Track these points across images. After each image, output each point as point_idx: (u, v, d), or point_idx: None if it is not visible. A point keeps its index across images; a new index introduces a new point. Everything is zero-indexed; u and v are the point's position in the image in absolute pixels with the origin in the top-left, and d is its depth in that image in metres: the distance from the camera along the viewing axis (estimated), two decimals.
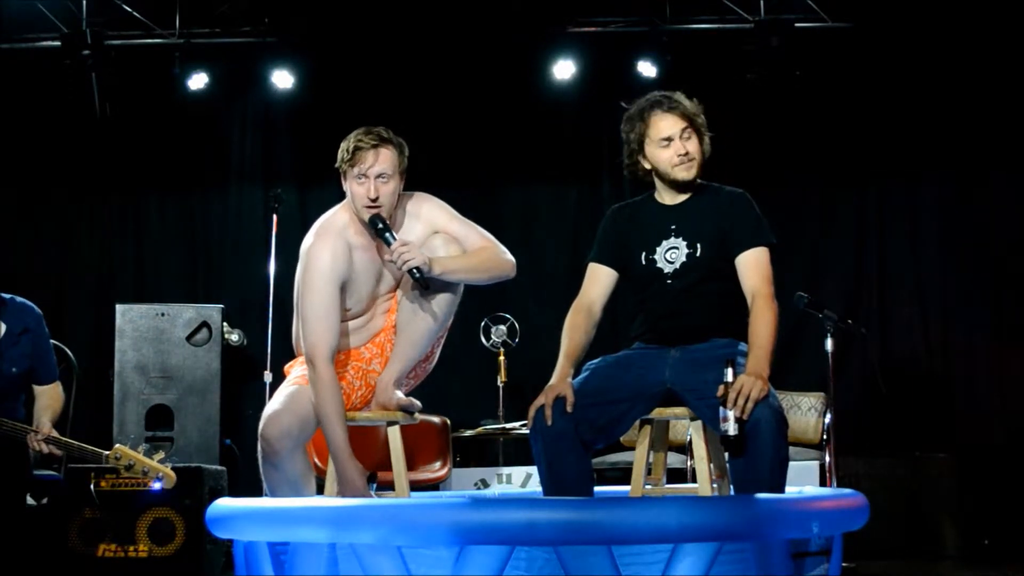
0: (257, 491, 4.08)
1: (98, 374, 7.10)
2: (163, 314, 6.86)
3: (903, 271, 7.42)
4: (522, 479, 6.41)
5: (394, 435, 3.93)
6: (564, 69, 7.39)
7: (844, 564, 4.65)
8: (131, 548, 5.32)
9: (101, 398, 6.99)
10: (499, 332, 6.86)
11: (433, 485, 6.06)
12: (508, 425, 6.59)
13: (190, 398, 6.79)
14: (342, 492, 3.78)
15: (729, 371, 3.51)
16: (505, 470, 6.51)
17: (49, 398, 4.80)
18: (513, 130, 7.60)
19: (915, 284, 7.39)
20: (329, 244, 3.86)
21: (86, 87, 7.16)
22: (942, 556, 6.30)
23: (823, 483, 5.87)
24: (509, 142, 7.62)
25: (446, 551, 3.07)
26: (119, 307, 6.89)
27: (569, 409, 3.67)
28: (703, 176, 3.92)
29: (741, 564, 3.10)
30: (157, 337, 6.83)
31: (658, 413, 3.80)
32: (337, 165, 3.88)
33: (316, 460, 4.98)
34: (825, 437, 5.77)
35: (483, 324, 6.87)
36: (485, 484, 6.44)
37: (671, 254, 3.83)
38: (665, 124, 3.82)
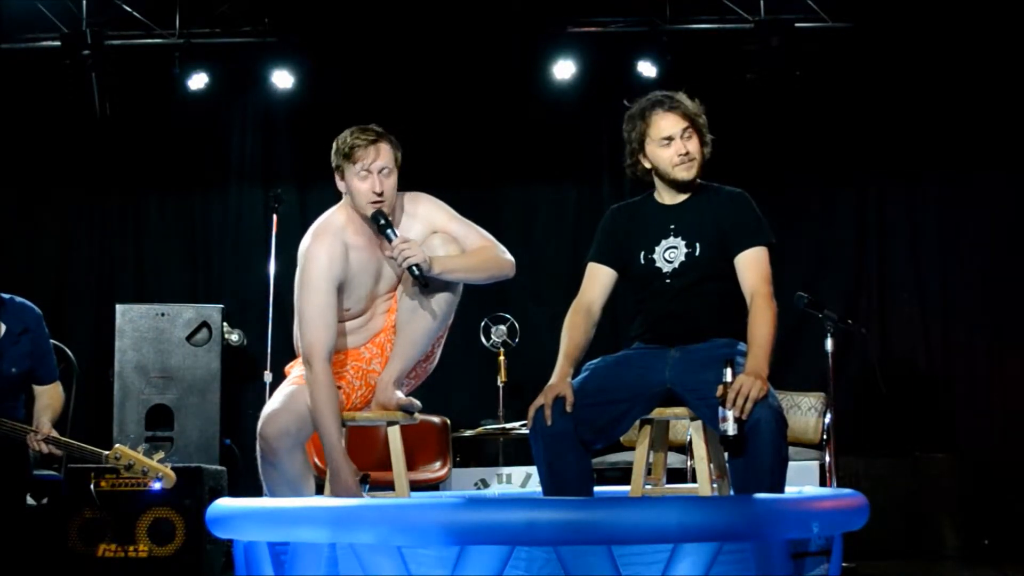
0: (257, 491, 4.08)
1: (98, 374, 7.09)
2: (163, 314, 6.86)
3: (903, 271, 7.42)
4: (522, 479, 6.41)
5: (394, 435, 3.93)
6: (564, 69, 7.39)
7: (844, 564, 4.65)
8: (131, 548, 5.32)
9: (101, 398, 6.99)
10: (499, 332, 6.86)
11: (433, 485, 6.06)
12: (508, 425, 6.59)
13: (190, 398, 6.79)
14: (334, 492, 3.78)
15: (728, 371, 3.51)
16: (505, 470, 6.51)
17: (49, 398, 4.80)
18: (513, 130, 7.60)
19: (915, 284, 7.39)
20: (326, 245, 3.86)
21: (86, 87, 7.15)
22: (942, 556, 6.30)
23: (823, 483, 5.87)
24: (509, 142, 7.62)
25: (446, 551, 3.07)
26: (119, 307, 6.89)
27: (569, 409, 3.67)
28: (703, 176, 3.92)
29: (741, 564, 3.10)
30: (157, 337, 6.83)
31: (658, 413, 3.80)
32: (335, 164, 3.87)
33: (316, 460, 4.98)
34: (825, 437, 5.77)
35: (483, 324, 6.87)
36: (485, 484, 6.44)
37: (670, 253, 3.83)
38: (666, 123, 3.82)
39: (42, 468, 5.18)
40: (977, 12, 6.96)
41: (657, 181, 3.92)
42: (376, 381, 3.96)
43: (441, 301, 3.90)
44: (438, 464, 6.17)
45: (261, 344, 6.60)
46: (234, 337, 7.07)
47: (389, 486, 3.93)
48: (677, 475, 5.95)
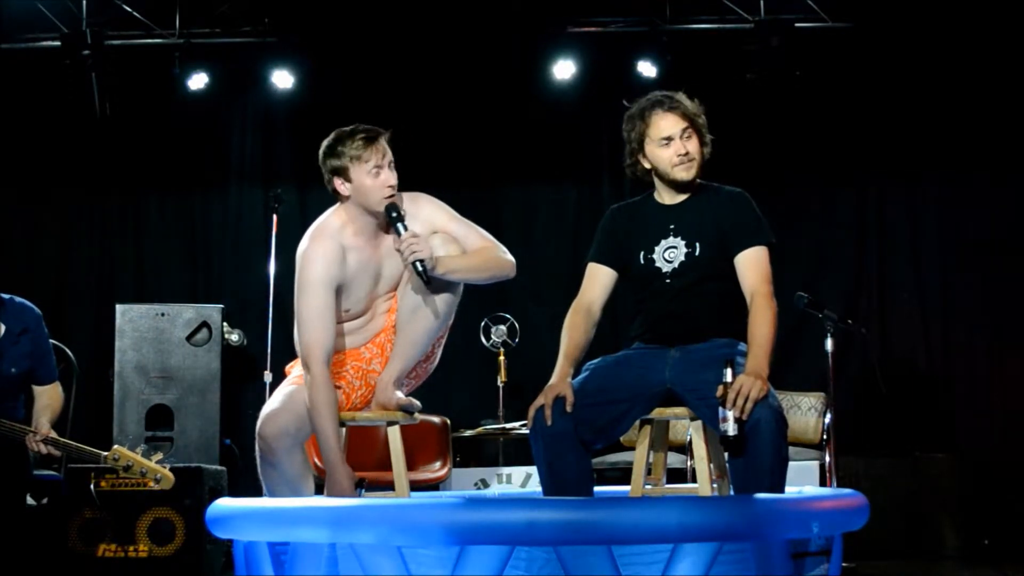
0: (257, 491, 4.08)
1: (98, 374, 7.09)
2: (163, 314, 6.86)
3: (903, 271, 7.42)
4: (522, 479, 6.41)
5: (394, 435, 3.93)
6: (564, 69, 7.39)
7: (844, 564, 4.65)
8: (131, 548, 5.32)
9: (101, 398, 6.99)
10: (499, 332, 6.86)
11: (433, 485, 6.06)
12: (508, 425, 6.59)
13: (190, 398, 6.79)
14: (330, 495, 3.78)
15: (728, 371, 3.51)
16: (505, 470, 6.51)
17: (48, 398, 4.80)
18: (513, 130, 7.60)
19: (915, 284, 7.39)
20: (323, 247, 3.86)
21: (86, 87, 7.15)
22: (942, 556, 6.30)
23: (823, 483, 5.87)
24: (509, 142, 7.62)
25: (446, 551, 3.07)
26: (119, 307, 6.88)
27: (569, 409, 3.67)
28: (703, 176, 3.92)
29: (741, 564, 3.10)
30: (157, 337, 6.82)
31: (658, 413, 3.80)
32: (338, 167, 3.85)
33: (316, 460, 4.98)
34: (825, 437, 5.77)
35: (483, 324, 6.87)
36: (485, 484, 6.44)
37: (670, 253, 3.83)
38: (666, 124, 3.82)
39: (42, 468, 5.18)
40: (977, 12, 6.96)
41: (657, 181, 3.92)
42: (376, 381, 3.96)
43: (441, 301, 3.90)
44: (438, 464, 6.17)
45: (261, 344, 6.60)
46: (234, 337, 7.07)
47: (389, 486, 3.93)
48: (677, 475, 5.95)
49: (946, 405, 7.22)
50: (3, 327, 4.74)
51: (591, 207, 7.50)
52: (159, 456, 4.66)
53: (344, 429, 3.88)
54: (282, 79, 7.41)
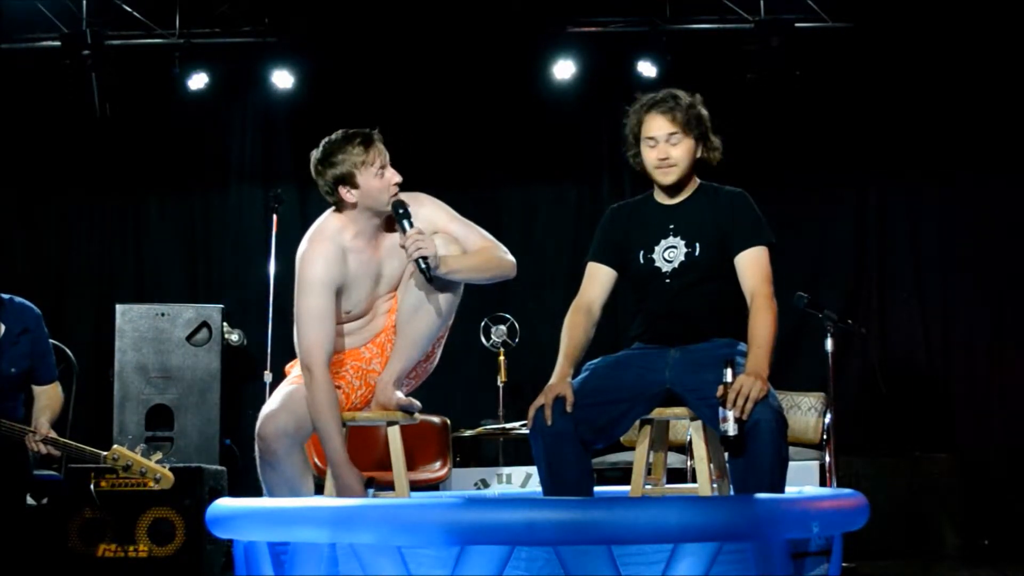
0: (257, 491, 4.08)
1: (98, 374, 7.09)
2: (163, 314, 6.86)
3: (903, 271, 7.42)
4: (522, 479, 6.41)
5: (394, 435, 3.92)
6: (564, 69, 7.38)
7: (844, 564, 4.65)
8: (131, 548, 5.32)
9: (101, 398, 6.99)
10: (499, 332, 6.86)
11: (433, 485, 6.06)
12: (508, 425, 6.59)
13: (190, 398, 6.79)
14: (340, 497, 3.77)
15: (728, 371, 3.51)
16: (505, 470, 6.51)
17: (48, 398, 4.80)
18: (513, 130, 7.60)
19: (915, 284, 7.39)
20: (322, 250, 3.85)
21: (86, 87, 7.16)
22: (942, 556, 6.30)
23: (823, 483, 5.87)
24: (509, 142, 7.62)
25: (446, 551, 3.07)
26: (119, 307, 6.89)
27: (569, 409, 3.67)
28: (703, 176, 3.92)
29: (741, 564, 3.10)
30: (157, 337, 6.83)
31: (658, 413, 3.80)
32: (342, 174, 3.82)
33: (316, 460, 4.98)
34: (825, 437, 5.77)
35: (483, 324, 6.87)
36: (485, 484, 6.44)
37: (670, 253, 3.83)
38: (654, 125, 3.83)
39: (42, 468, 5.18)
40: (977, 12, 6.96)
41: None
42: (376, 381, 3.95)
43: (442, 301, 3.90)
44: (438, 464, 6.17)
45: (261, 344, 6.60)
46: (234, 337, 7.08)
47: (389, 486, 3.93)
48: (677, 475, 5.95)
49: (946, 405, 7.22)
50: (3, 327, 4.74)
51: (591, 207, 7.50)
52: (159, 456, 4.66)
53: (345, 429, 3.88)
54: (282, 79, 7.41)
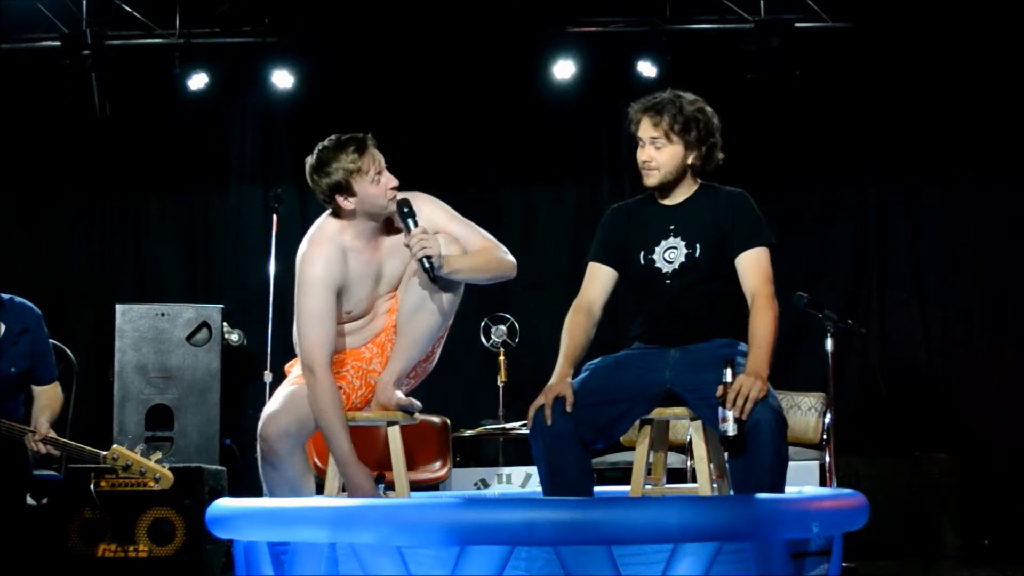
0: (257, 491, 4.08)
1: (98, 374, 7.09)
2: (163, 314, 6.86)
3: (903, 271, 7.42)
4: (522, 479, 6.41)
5: (394, 435, 3.93)
6: (564, 69, 7.38)
7: (844, 564, 4.65)
8: (131, 548, 5.32)
9: (101, 398, 6.99)
10: (499, 332, 6.86)
11: (433, 485, 6.06)
12: (508, 425, 6.59)
13: (190, 398, 6.79)
14: (352, 496, 3.77)
15: (728, 371, 3.51)
16: (505, 470, 6.51)
17: (48, 398, 4.80)
18: (513, 130, 7.60)
19: (915, 284, 7.39)
20: (322, 251, 3.85)
21: (86, 87, 7.16)
22: (942, 556, 6.30)
23: (823, 483, 5.87)
24: (509, 142, 7.62)
25: (446, 551, 3.07)
26: (119, 307, 6.89)
27: (569, 409, 3.67)
28: (704, 177, 3.92)
29: (741, 564, 3.10)
30: (157, 337, 6.83)
31: (658, 413, 3.80)
32: (339, 183, 3.80)
33: (316, 460, 4.98)
34: (825, 437, 5.77)
35: (483, 324, 6.87)
36: (485, 484, 6.44)
37: (670, 254, 3.83)
38: (643, 126, 3.84)
39: (42, 468, 5.18)
40: (977, 12, 6.96)
41: None
42: (376, 381, 3.95)
43: (442, 301, 3.90)
44: (438, 464, 6.16)
45: (261, 344, 6.60)
46: (234, 337, 7.08)
47: (389, 486, 3.93)
48: (677, 475, 5.95)
49: (946, 405, 7.22)
50: (3, 327, 4.74)
51: (591, 207, 7.51)
52: (158, 456, 4.66)
53: None
54: (282, 79, 7.41)
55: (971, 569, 5.89)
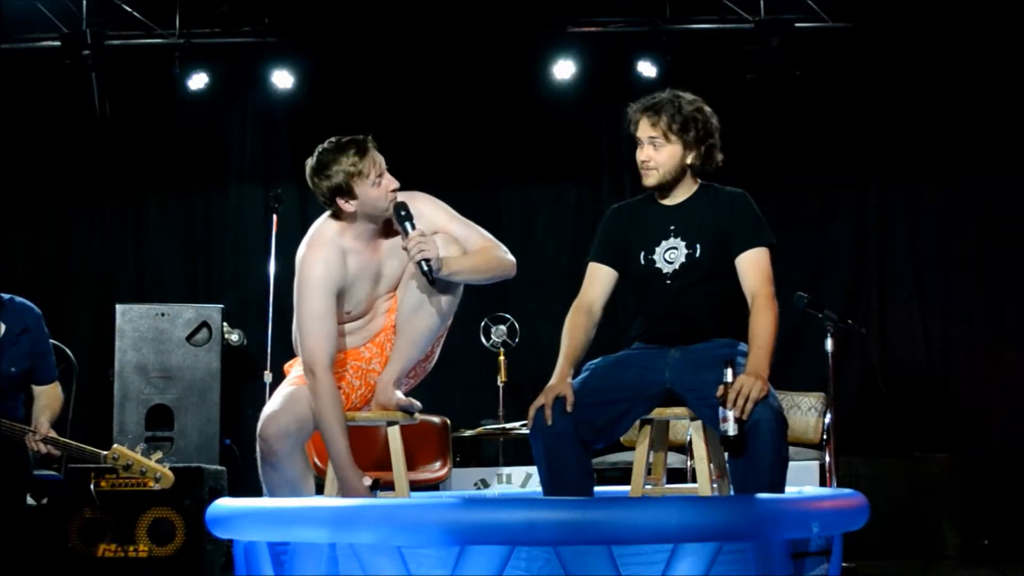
0: (257, 491, 4.08)
1: (98, 374, 7.10)
2: (163, 314, 6.86)
3: (903, 271, 7.42)
4: (522, 479, 6.41)
5: (394, 435, 3.93)
6: (564, 69, 7.38)
7: (844, 564, 4.65)
8: (131, 548, 5.32)
9: (101, 398, 6.99)
10: (499, 332, 6.86)
11: (433, 485, 6.06)
12: (508, 425, 6.59)
13: (190, 398, 6.79)
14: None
15: (729, 371, 3.51)
16: (505, 470, 6.51)
17: (48, 398, 4.80)
18: (513, 130, 7.60)
19: (915, 284, 7.39)
20: (322, 253, 3.85)
21: (86, 87, 7.16)
22: (942, 556, 6.30)
23: (823, 483, 5.87)
24: (509, 142, 7.62)
25: (446, 551, 3.07)
26: (119, 307, 6.89)
27: (569, 409, 3.67)
28: (704, 177, 3.92)
29: (741, 564, 3.10)
30: (157, 337, 6.83)
31: (658, 413, 3.80)
32: (339, 186, 3.79)
33: (316, 460, 4.98)
34: (825, 437, 5.77)
35: (483, 324, 6.87)
36: (485, 484, 6.44)
37: (670, 254, 3.83)
38: (642, 126, 3.84)
39: (42, 468, 5.18)
40: (977, 12, 6.96)
41: None
42: (376, 381, 3.95)
43: (442, 301, 3.90)
44: (438, 464, 6.17)
45: (261, 344, 6.60)
46: (234, 337, 7.08)
47: (389, 486, 3.93)
48: (677, 475, 5.95)
49: (946, 405, 7.22)
50: (3, 327, 4.75)
51: (591, 207, 7.51)
52: (159, 456, 4.66)
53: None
54: (282, 79, 7.41)
55: (971, 569, 5.89)
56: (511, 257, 3.97)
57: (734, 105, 6.82)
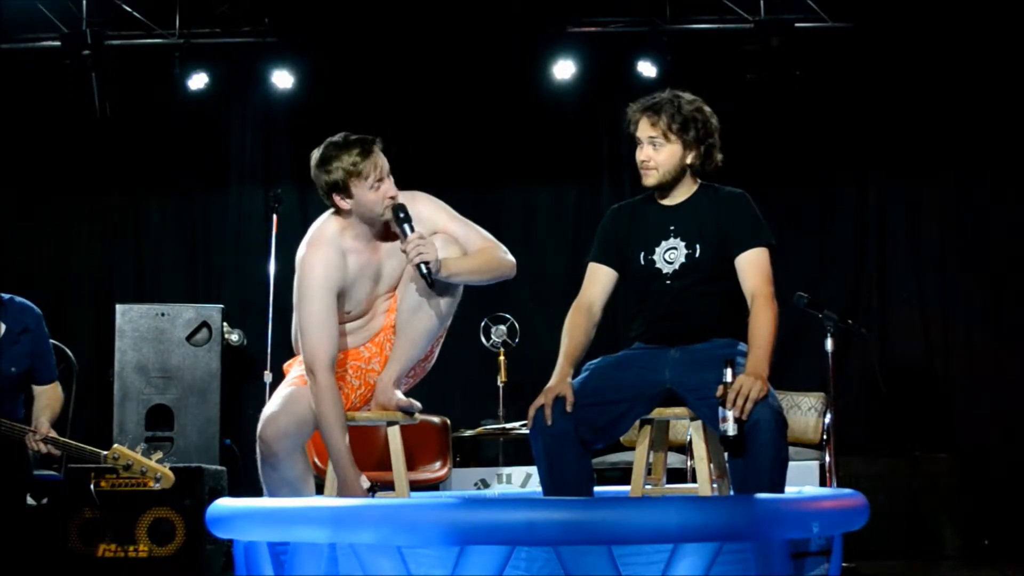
0: (257, 491, 4.08)
1: (98, 374, 7.10)
2: (163, 314, 6.86)
3: (903, 271, 7.42)
4: (522, 479, 6.41)
5: (394, 435, 3.93)
6: (564, 69, 7.38)
7: (844, 564, 4.64)
8: (131, 548, 5.32)
9: (101, 398, 6.99)
10: (499, 332, 6.86)
11: (433, 485, 6.06)
12: (508, 425, 6.59)
13: (190, 398, 6.79)
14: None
15: (728, 371, 3.51)
16: (505, 470, 6.51)
17: (48, 398, 4.80)
18: (513, 130, 7.60)
19: (915, 284, 7.39)
20: (322, 253, 3.84)
21: (86, 87, 7.16)
22: (942, 556, 6.30)
23: (823, 483, 5.87)
24: (509, 142, 7.62)
25: (446, 551, 3.07)
26: (119, 307, 6.89)
27: (569, 409, 3.67)
28: (704, 177, 3.92)
29: (741, 564, 3.10)
30: (157, 337, 6.83)
31: (658, 413, 3.80)
32: (337, 182, 3.79)
33: (316, 460, 4.98)
34: (825, 437, 5.77)
35: (483, 324, 6.87)
36: (485, 484, 6.44)
37: (670, 254, 3.83)
38: (641, 126, 3.84)
39: (42, 468, 5.18)
40: (977, 12, 6.96)
41: None
42: (375, 380, 3.95)
43: (442, 302, 3.89)
44: (438, 464, 6.17)
45: (261, 344, 6.60)
46: (234, 337, 7.08)
47: (389, 486, 3.93)
48: (677, 475, 5.95)
49: (946, 405, 7.22)
50: (3, 327, 4.75)
51: (591, 207, 7.51)
52: (159, 456, 4.66)
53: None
54: (282, 79, 7.41)
55: (971, 569, 5.89)
56: (511, 257, 3.97)
57: (734, 105, 6.83)
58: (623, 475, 6.19)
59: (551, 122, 7.59)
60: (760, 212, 3.84)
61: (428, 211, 3.94)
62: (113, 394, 6.79)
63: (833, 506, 3.55)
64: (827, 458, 5.59)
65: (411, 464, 4.90)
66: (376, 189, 3.80)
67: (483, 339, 6.87)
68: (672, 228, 3.85)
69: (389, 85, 7.49)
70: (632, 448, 4.29)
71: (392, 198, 3.81)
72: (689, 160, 3.84)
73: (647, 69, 7.24)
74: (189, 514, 5.31)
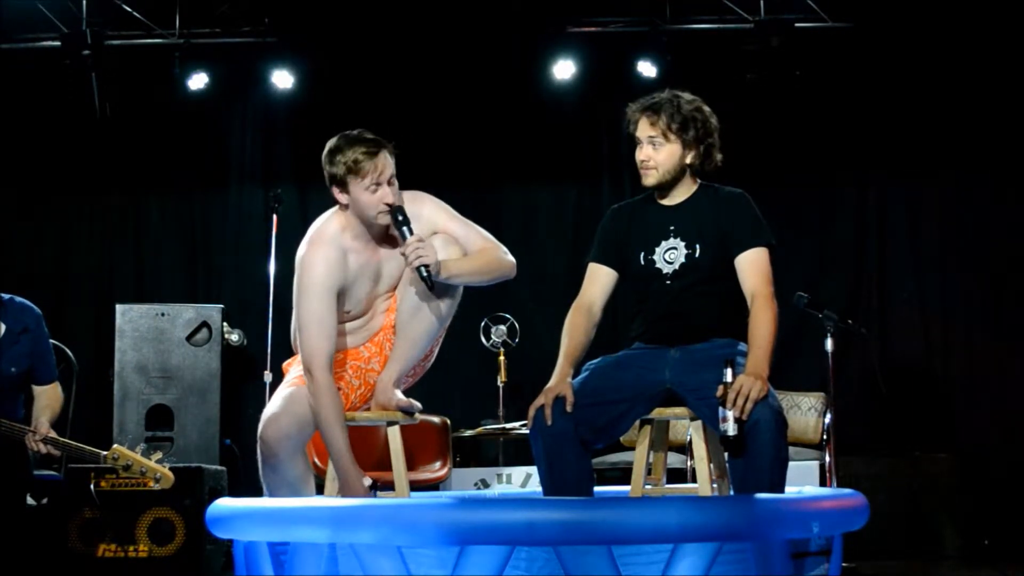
0: (257, 491, 4.08)
1: (98, 374, 7.10)
2: (163, 314, 6.86)
3: (903, 271, 7.42)
4: (522, 479, 6.41)
5: (394, 435, 3.92)
6: (564, 69, 7.39)
7: (844, 564, 4.65)
8: (131, 548, 5.32)
9: (101, 398, 6.99)
10: (499, 332, 6.86)
11: (433, 485, 6.06)
12: (508, 425, 6.59)
13: (190, 398, 6.79)
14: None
15: (728, 371, 3.51)
16: (505, 470, 6.51)
17: (48, 398, 4.80)
18: (513, 130, 7.60)
19: (915, 284, 7.39)
20: (322, 253, 3.84)
21: (86, 87, 7.16)
22: (942, 556, 6.30)
23: (823, 483, 5.87)
24: (509, 142, 7.62)
25: (446, 551, 3.07)
26: (119, 307, 6.89)
27: (569, 409, 3.67)
28: (704, 178, 3.92)
29: (741, 564, 3.10)
30: (157, 337, 6.83)
31: (658, 413, 3.80)
32: (337, 175, 3.79)
33: (316, 460, 4.98)
34: (825, 437, 5.77)
35: (483, 324, 6.87)
36: (485, 484, 6.44)
37: (670, 255, 3.83)
38: (641, 126, 3.85)
39: (42, 468, 5.18)
40: (977, 12, 6.96)
41: None
42: (375, 380, 3.95)
43: (442, 303, 3.89)
44: (438, 464, 6.17)
45: (261, 344, 6.60)
46: (234, 337, 7.08)
47: (389, 486, 3.93)
48: (677, 475, 5.95)
49: (946, 405, 7.22)
50: (3, 327, 4.75)
51: (591, 207, 7.51)
52: (159, 456, 4.66)
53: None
54: (282, 79, 7.41)
55: (971, 569, 5.89)
56: (511, 258, 3.97)
57: (734, 105, 6.83)
58: (623, 475, 6.19)
59: (551, 122, 7.59)
60: (760, 212, 3.84)
61: (428, 211, 3.94)
62: (113, 394, 6.79)
63: (833, 506, 3.55)
64: (827, 458, 5.59)
65: (411, 464, 4.90)
66: (372, 192, 3.78)
67: (483, 339, 6.87)
68: (672, 228, 3.85)
69: (389, 85, 7.49)
70: (632, 448, 4.29)
71: (388, 205, 3.79)
72: (689, 160, 3.84)
73: (647, 69, 7.24)
74: (189, 514, 5.31)
